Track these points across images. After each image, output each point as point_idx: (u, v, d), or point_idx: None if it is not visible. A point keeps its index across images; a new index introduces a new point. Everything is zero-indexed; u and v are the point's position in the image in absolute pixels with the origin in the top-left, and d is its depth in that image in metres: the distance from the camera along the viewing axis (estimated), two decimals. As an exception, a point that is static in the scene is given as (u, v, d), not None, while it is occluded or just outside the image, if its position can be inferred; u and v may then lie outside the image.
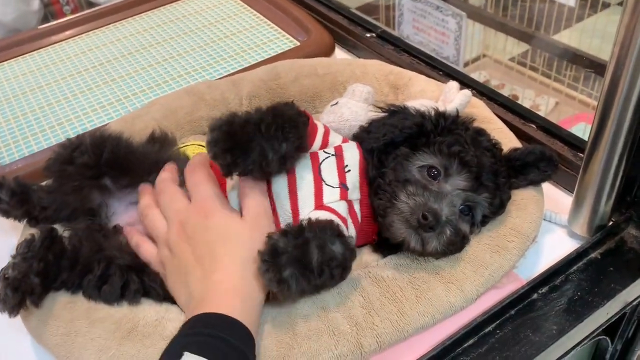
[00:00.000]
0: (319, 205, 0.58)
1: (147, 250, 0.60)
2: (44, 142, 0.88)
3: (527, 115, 0.79)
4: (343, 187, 0.59)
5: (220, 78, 0.90)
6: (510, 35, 1.70)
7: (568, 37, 1.71)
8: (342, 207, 0.58)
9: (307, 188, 0.58)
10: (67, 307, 0.58)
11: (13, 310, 0.54)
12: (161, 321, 0.57)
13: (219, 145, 0.53)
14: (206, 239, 0.56)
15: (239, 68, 0.98)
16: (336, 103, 0.75)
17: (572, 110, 1.65)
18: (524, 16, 1.69)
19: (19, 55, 1.09)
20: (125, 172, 0.64)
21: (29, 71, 1.05)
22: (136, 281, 0.59)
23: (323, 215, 0.56)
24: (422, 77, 0.82)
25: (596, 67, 1.60)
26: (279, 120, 0.54)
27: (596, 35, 1.68)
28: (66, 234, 0.62)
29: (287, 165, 0.56)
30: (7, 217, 0.65)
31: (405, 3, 1.51)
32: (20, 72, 1.05)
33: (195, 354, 0.45)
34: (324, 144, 0.61)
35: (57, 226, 0.63)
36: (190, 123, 0.81)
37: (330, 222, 0.54)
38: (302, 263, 0.51)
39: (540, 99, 1.67)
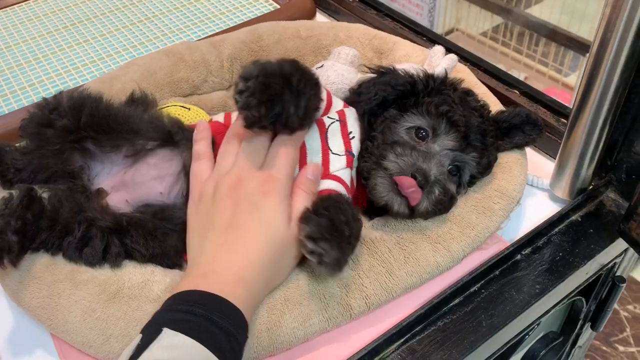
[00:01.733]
0: (326, 174, 0.58)
1: (200, 168, 0.57)
2: (14, 103, 0.85)
3: (510, 82, 0.79)
4: (349, 154, 0.59)
5: (200, 40, 0.88)
6: (484, 7, 1.71)
7: (539, 12, 1.73)
8: (347, 175, 0.58)
9: (315, 158, 0.58)
10: (48, 269, 0.56)
11: None
12: (147, 283, 0.56)
13: (255, 95, 0.50)
14: (250, 214, 0.53)
15: (218, 30, 0.95)
16: (321, 66, 0.74)
17: (542, 86, 1.67)
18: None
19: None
20: (107, 134, 0.61)
21: (-5, 30, 1.00)
22: (117, 244, 0.57)
23: (331, 185, 0.56)
24: (407, 42, 0.82)
25: (567, 41, 1.62)
26: (305, 76, 0.53)
27: (565, 12, 1.70)
28: (45, 195, 0.60)
29: (305, 122, 0.55)
30: None
31: (381, -29, 1.50)
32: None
33: (183, 333, 0.44)
34: (328, 106, 0.60)
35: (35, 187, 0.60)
36: (170, 84, 0.79)
37: (342, 195, 0.54)
38: (342, 238, 0.50)
39: (509, 73, 1.69)
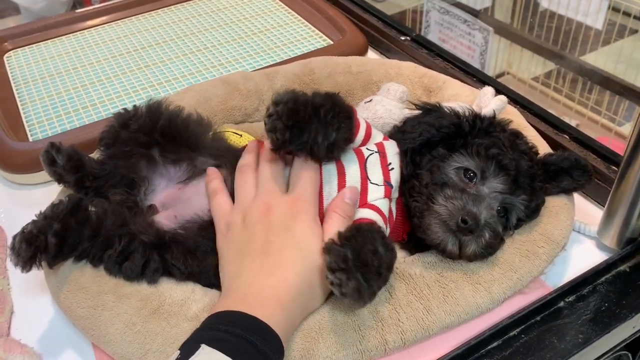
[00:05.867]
0: (364, 203, 0.58)
1: (221, 203, 0.59)
2: (76, 121, 0.90)
3: (560, 126, 0.79)
4: (388, 185, 0.59)
5: (254, 70, 0.91)
6: (536, 53, 1.70)
7: (593, 60, 1.71)
8: (385, 206, 0.59)
9: (354, 186, 0.59)
10: (95, 280, 0.59)
11: (26, 265, 0.54)
12: (186, 301, 0.57)
13: (282, 119, 0.53)
14: (283, 238, 0.54)
15: (272, 62, 0.98)
16: (370, 100, 0.76)
17: (594, 134, 1.64)
18: (550, 37, 1.69)
19: (51, 38, 1.11)
20: (176, 144, 0.64)
21: (64, 52, 1.06)
22: (157, 260, 0.58)
23: (367, 214, 0.57)
24: (457, 81, 0.83)
25: (622, 90, 1.59)
26: (336, 108, 0.55)
27: (622, 60, 1.68)
28: (93, 208, 0.62)
29: (334, 154, 0.57)
30: (59, 182, 0.65)
31: (433, 15, 1.52)
32: (49, 55, 1.06)
33: (222, 352, 0.44)
34: (367, 139, 0.61)
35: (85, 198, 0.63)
36: (223, 111, 0.82)
37: (374, 224, 0.54)
38: (366, 269, 0.50)
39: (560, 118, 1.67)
